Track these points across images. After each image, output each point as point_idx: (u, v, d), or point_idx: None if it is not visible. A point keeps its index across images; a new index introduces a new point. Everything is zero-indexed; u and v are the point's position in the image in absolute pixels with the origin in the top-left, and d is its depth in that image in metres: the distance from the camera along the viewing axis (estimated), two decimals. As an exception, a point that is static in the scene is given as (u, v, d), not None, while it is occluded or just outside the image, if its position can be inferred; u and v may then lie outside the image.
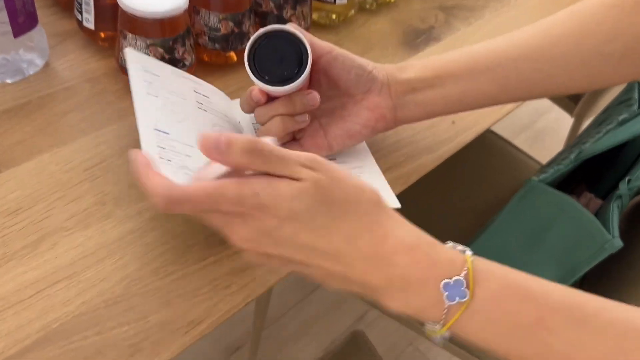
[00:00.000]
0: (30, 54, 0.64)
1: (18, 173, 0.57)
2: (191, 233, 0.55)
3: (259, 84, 0.55)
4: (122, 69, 0.65)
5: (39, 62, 0.66)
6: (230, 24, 0.67)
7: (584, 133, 0.83)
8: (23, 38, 0.62)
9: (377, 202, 0.44)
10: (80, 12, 0.67)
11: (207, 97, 0.61)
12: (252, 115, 0.59)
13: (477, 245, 0.80)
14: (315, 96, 0.56)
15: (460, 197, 0.98)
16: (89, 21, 0.67)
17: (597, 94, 1.24)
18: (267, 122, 0.57)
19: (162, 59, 0.63)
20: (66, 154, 0.60)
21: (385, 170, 0.62)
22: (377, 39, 0.80)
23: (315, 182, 0.41)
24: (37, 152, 0.59)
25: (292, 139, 0.60)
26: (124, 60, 0.58)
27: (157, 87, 0.56)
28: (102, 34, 0.68)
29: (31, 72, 0.65)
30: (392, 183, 0.62)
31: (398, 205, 0.56)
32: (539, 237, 0.76)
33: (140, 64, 0.58)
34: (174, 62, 0.63)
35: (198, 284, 0.52)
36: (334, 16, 0.80)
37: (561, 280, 0.71)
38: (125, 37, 0.62)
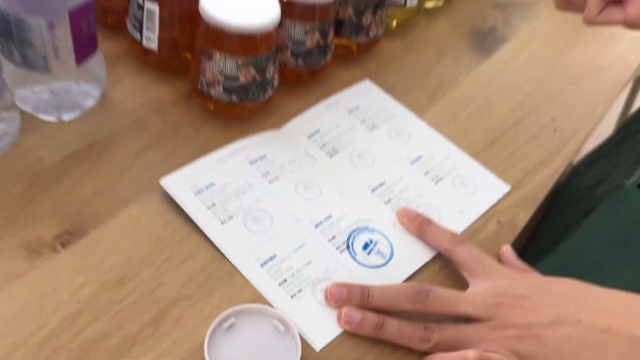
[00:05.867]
0: (87, 85, 0.53)
1: (108, 233, 0.46)
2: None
3: None
4: (201, 95, 0.55)
5: (96, 93, 0.55)
6: (317, 35, 0.58)
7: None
8: (83, 66, 0.51)
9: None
10: (139, 31, 0.56)
11: (265, 156, 0.54)
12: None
13: (559, 256, 0.74)
14: None
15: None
16: (151, 40, 0.56)
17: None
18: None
19: (253, 80, 0.53)
20: (159, 203, 0.49)
21: (509, 192, 0.56)
22: (446, 44, 0.73)
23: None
24: (122, 204, 0.49)
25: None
26: (203, 86, 0.49)
27: (220, 205, 0.50)
28: (163, 55, 0.58)
29: (88, 106, 0.54)
30: (522, 204, 0.56)
31: (508, 188, 0.58)
32: (628, 240, 0.72)
33: (186, 187, 0.50)
34: (264, 84, 0.54)
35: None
36: (394, 23, 0.72)
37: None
38: (210, 57, 0.52)
